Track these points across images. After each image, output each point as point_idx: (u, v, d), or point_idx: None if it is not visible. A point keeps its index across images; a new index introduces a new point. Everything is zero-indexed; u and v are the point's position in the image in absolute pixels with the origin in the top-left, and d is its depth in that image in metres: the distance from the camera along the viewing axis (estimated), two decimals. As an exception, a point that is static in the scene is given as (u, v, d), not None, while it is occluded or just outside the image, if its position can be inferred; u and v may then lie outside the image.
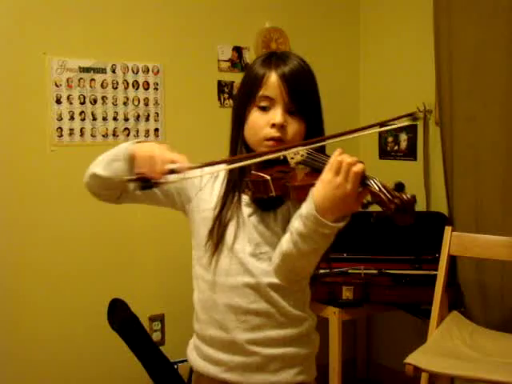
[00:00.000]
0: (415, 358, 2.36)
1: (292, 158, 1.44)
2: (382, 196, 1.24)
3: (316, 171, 1.40)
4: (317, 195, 1.31)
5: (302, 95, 1.53)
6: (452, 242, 2.75)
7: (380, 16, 3.59)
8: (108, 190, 1.55)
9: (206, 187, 1.60)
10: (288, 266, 1.44)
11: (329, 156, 1.43)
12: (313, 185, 1.34)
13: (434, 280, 2.73)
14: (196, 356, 1.62)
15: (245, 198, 1.55)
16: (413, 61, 3.39)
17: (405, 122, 1.48)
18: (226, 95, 3.19)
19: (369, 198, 1.29)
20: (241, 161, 1.43)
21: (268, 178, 1.42)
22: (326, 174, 1.30)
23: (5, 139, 2.67)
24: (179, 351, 2.93)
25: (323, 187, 1.30)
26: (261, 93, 1.52)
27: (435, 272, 2.76)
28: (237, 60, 3.22)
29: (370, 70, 3.67)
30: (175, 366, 2.86)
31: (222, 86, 3.19)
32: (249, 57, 3.24)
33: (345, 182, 1.28)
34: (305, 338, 1.59)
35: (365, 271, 2.99)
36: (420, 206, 3.31)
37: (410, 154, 3.43)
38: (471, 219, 2.95)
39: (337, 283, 2.87)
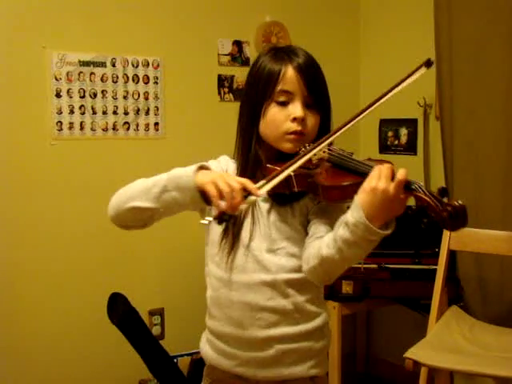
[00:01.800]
0: (415, 353, 2.36)
1: (314, 155, 1.45)
2: (431, 202, 1.26)
3: (340, 168, 1.42)
4: (363, 203, 1.31)
5: (319, 88, 1.55)
6: (452, 236, 2.74)
7: (380, 10, 3.58)
8: (142, 221, 1.53)
9: None
10: (325, 269, 1.44)
11: (350, 153, 1.47)
12: (345, 186, 1.37)
13: (434, 275, 2.73)
14: (209, 349, 1.63)
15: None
16: (413, 55, 3.37)
17: (421, 71, 1.50)
18: (226, 89, 3.19)
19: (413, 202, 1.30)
20: (291, 164, 1.42)
21: (291, 173, 1.43)
22: (370, 182, 1.31)
23: (5, 133, 2.66)
24: (179, 345, 2.95)
25: (368, 195, 1.31)
26: (279, 88, 1.52)
27: (435, 267, 2.76)
28: (237, 54, 3.22)
29: (370, 64, 3.66)
30: (175, 360, 2.86)
31: (222, 80, 3.18)
32: (249, 51, 3.23)
33: (387, 188, 1.29)
34: (318, 333, 1.59)
35: (364, 266, 2.99)
36: (420, 201, 3.31)
37: (410, 148, 3.43)
38: (471, 214, 2.89)
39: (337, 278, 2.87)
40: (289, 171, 1.40)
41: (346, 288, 2.83)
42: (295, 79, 1.51)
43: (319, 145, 1.45)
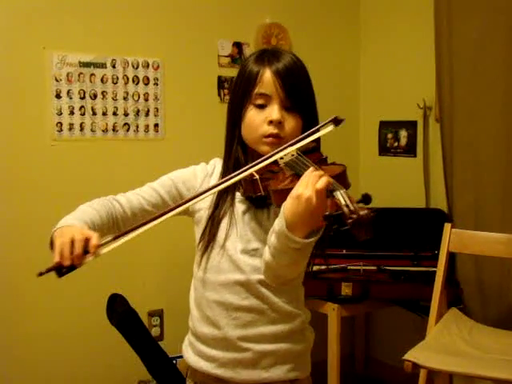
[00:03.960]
0: (414, 355, 2.36)
1: (281, 158, 1.44)
2: (344, 208, 1.22)
3: (298, 176, 1.38)
4: (287, 211, 1.31)
5: (298, 91, 1.53)
6: (451, 238, 2.74)
7: (380, 12, 3.59)
8: None
9: (202, 187, 1.61)
10: (273, 273, 1.45)
11: (323, 157, 1.45)
12: (283, 190, 1.35)
13: (433, 277, 2.73)
14: (190, 352, 1.64)
15: (238, 195, 1.57)
16: (413, 57, 3.39)
17: (329, 128, 1.46)
18: (226, 91, 3.19)
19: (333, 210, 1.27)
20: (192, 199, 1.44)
21: (257, 177, 1.42)
22: (297, 190, 1.30)
23: (5, 134, 2.66)
24: (178, 346, 2.91)
25: (292, 203, 1.30)
26: (256, 90, 1.52)
27: (434, 269, 2.76)
28: (237, 55, 3.22)
29: (370, 66, 3.66)
30: (174, 362, 2.86)
31: (222, 82, 3.18)
32: (249, 52, 3.22)
33: (311, 196, 1.26)
34: (298, 335, 1.59)
35: (364, 267, 2.99)
36: (419, 203, 3.32)
37: (410, 150, 3.43)
38: (470, 216, 2.96)
39: (336, 279, 2.87)
40: (217, 189, 1.42)
41: (346, 290, 2.83)
42: (272, 82, 1.51)
43: (280, 151, 1.43)
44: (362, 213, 1.19)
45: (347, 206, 1.21)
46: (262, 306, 1.53)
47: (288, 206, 1.31)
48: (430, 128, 3.32)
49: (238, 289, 1.53)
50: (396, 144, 3.50)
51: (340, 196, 1.24)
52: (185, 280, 1.75)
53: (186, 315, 1.68)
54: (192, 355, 1.63)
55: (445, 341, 2.52)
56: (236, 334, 1.53)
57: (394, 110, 3.47)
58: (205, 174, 1.64)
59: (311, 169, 1.32)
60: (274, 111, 1.50)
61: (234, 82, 1.61)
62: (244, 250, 1.53)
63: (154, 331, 3.05)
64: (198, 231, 1.61)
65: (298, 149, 1.44)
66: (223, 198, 1.56)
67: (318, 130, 1.46)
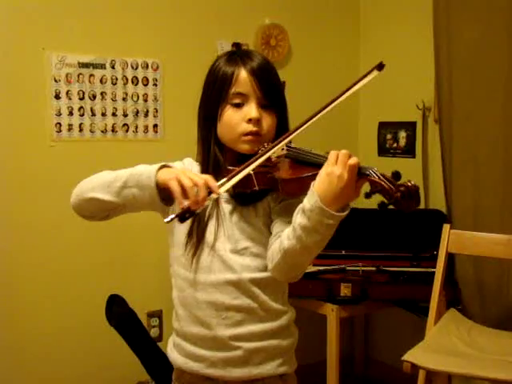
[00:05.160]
0: (413, 355, 2.37)
1: (273, 153, 1.47)
2: (384, 184, 1.27)
3: (299, 163, 1.45)
4: (318, 188, 1.33)
5: (272, 88, 1.57)
6: (450, 239, 2.75)
7: (380, 13, 3.59)
8: (103, 212, 1.58)
9: None
10: (289, 262, 1.44)
11: (309, 149, 1.49)
12: (302, 178, 1.39)
13: (432, 277, 2.73)
14: (176, 353, 1.64)
15: (224, 195, 1.56)
16: (412, 58, 3.39)
17: (373, 74, 1.51)
18: (226, 91, 3.18)
19: (369, 187, 1.32)
20: (256, 159, 1.43)
21: (251, 173, 1.44)
22: (326, 168, 1.33)
23: (4, 134, 2.66)
24: (177, 347, 2.95)
25: (323, 180, 1.33)
26: (233, 90, 1.55)
27: (433, 269, 2.76)
28: (236, 56, 3.22)
29: (369, 66, 3.65)
30: (173, 362, 2.86)
31: (221, 83, 3.18)
32: (248, 53, 3.23)
33: (343, 173, 1.30)
34: (285, 331, 1.61)
35: (363, 268, 2.99)
36: (418, 204, 3.31)
37: (409, 151, 3.43)
38: (469, 217, 2.96)
39: (335, 280, 2.87)
40: (249, 170, 1.42)
41: (345, 291, 2.83)
42: (248, 81, 1.54)
43: (279, 143, 1.46)
44: (409, 184, 1.26)
45: (385, 181, 1.27)
46: (252, 304, 1.54)
47: (319, 183, 1.33)
48: (429, 129, 3.33)
49: (229, 288, 1.54)
50: (395, 145, 3.51)
51: (374, 173, 1.30)
52: (184, 281, 1.77)
53: (185, 316, 1.68)
54: (179, 357, 1.63)
55: (444, 341, 2.52)
56: (227, 333, 1.54)
57: (393, 110, 3.47)
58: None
59: (334, 151, 1.36)
60: (252, 109, 1.53)
61: (206, 83, 1.66)
62: (233, 250, 1.54)
63: (153, 332, 3.06)
64: (177, 229, 1.61)
65: (287, 142, 1.49)
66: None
67: (364, 77, 1.52)
